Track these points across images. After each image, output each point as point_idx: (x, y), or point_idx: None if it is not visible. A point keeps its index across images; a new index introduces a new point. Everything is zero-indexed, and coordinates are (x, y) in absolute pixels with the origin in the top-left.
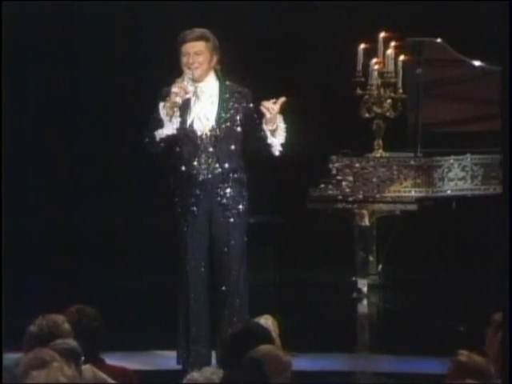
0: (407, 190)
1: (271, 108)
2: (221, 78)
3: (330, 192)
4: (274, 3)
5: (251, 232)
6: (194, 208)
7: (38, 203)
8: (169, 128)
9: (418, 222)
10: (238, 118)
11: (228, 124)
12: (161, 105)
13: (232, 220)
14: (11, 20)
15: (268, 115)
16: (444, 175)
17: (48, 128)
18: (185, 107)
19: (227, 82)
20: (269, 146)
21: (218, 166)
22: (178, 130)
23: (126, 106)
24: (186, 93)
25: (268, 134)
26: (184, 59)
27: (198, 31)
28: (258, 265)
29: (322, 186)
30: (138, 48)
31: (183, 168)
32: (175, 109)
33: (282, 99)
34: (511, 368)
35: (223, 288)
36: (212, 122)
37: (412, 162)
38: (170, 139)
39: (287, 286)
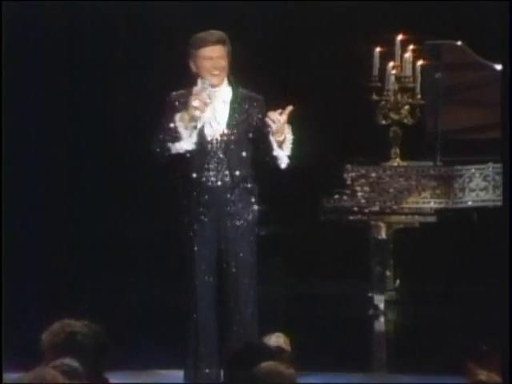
0: (426, 201)
1: (277, 119)
2: (233, 82)
3: (345, 203)
4: (281, 3)
5: (261, 244)
6: (202, 217)
7: (38, 206)
8: (188, 143)
9: (438, 235)
10: (251, 124)
11: (240, 129)
12: (177, 116)
13: (241, 231)
14: (11, 20)
15: (274, 126)
16: (465, 185)
17: (48, 128)
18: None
19: (240, 88)
20: (275, 159)
21: (228, 173)
22: (195, 143)
23: (128, 107)
24: (206, 105)
25: (274, 145)
26: (206, 64)
27: (217, 33)
28: (268, 278)
29: (336, 196)
30: (138, 48)
31: (194, 175)
32: (194, 123)
33: (289, 108)
34: (511, 368)
35: (232, 303)
36: (223, 127)
37: (431, 172)
38: (184, 151)
39: (299, 301)
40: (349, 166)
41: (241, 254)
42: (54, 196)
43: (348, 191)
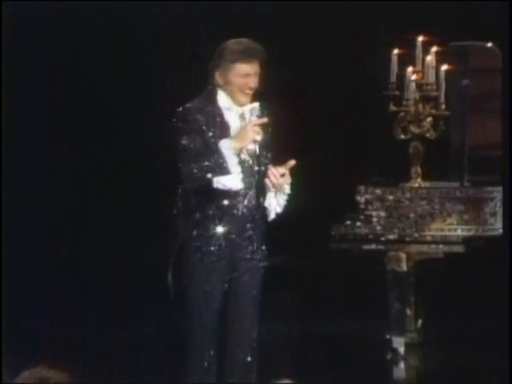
0: (452, 228)
1: (275, 179)
2: (258, 99)
3: (358, 230)
4: (286, 3)
5: (265, 277)
6: (216, 247)
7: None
8: (237, 180)
9: (466, 267)
10: (269, 143)
11: (263, 151)
12: (225, 143)
13: (255, 263)
14: (11, 20)
15: (272, 182)
16: (496, 209)
17: (48, 128)
18: (226, 129)
19: (264, 105)
20: (263, 209)
21: (253, 200)
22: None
23: (128, 107)
24: (258, 134)
25: (267, 195)
26: (240, 81)
27: (256, 48)
28: (273, 315)
29: (348, 222)
30: (138, 48)
31: (225, 202)
32: (248, 158)
33: (291, 163)
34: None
35: (236, 350)
36: (255, 147)
37: (458, 194)
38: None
39: (308, 342)
40: (362, 188)
41: (254, 291)
42: (54, 196)
43: (362, 216)
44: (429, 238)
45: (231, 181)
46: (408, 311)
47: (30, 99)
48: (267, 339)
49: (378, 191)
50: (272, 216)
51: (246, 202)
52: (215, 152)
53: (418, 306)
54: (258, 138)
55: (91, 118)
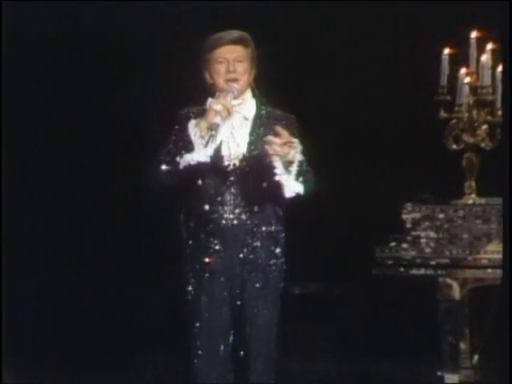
0: None
1: (282, 132)
2: (258, 97)
3: (404, 253)
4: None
5: (296, 307)
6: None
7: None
8: (201, 154)
9: None
10: None
11: (264, 154)
12: (191, 123)
13: (259, 286)
14: (11, 20)
15: (278, 141)
16: None
17: (48, 128)
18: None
19: (265, 104)
20: (278, 186)
21: (245, 209)
22: (211, 158)
23: (128, 107)
24: (230, 114)
25: (278, 168)
26: (220, 68)
27: (237, 32)
28: (308, 353)
29: (393, 244)
30: (139, 48)
31: (206, 207)
32: (213, 132)
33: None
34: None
35: None
36: (243, 150)
37: None
38: (196, 168)
39: (349, 383)
40: (409, 205)
41: (259, 320)
42: (54, 197)
43: (408, 237)
44: (485, 262)
45: (194, 154)
46: (462, 345)
47: (30, 99)
48: (301, 379)
49: (427, 209)
50: (288, 194)
51: (237, 212)
52: (186, 134)
53: (474, 340)
54: (217, 120)
55: (91, 117)
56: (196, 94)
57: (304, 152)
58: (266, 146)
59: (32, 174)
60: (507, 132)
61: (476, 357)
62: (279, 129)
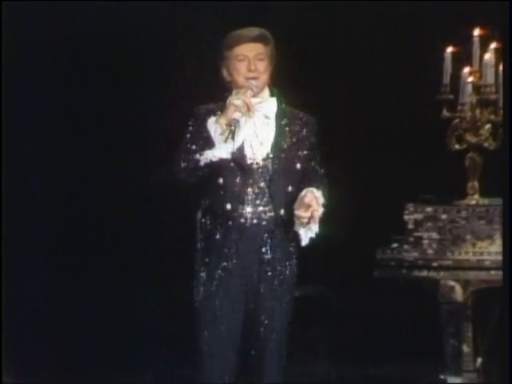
0: None
1: (305, 213)
2: (277, 95)
3: (406, 254)
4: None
5: (297, 309)
6: (229, 264)
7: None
8: (222, 150)
9: None
10: (301, 150)
11: (287, 155)
12: (211, 120)
13: (276, 287)
14: (11, 20)
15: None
16: None
17: (48, 128)
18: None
19: (286, 104)
20: (302, 190)
21: (268, 208)
22: (233, 156)
23: (129, 107)
24: (249, 110)
25: (297, 221)
26: (241, 65)
27: (257, 30)
28: (308, 355)
29: (395, 245)
30: (139, 48)
31: (228, 206)
32: (233, 127)
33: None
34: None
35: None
36: (267, 149)
37: None
38: (217, 165)
39: None
40: (411, 206)
41: (275, 322)
42: (54, 196)
43: (410, 239)
44: (488, 264)
45: (215, 151)
46: (465, 348)
47: (30, 99)
48: (302, 381)
49: (430, 210)
50: (304, 243)
51: (253, 209)
52: (206, 131)
53: (477, 343)
54: (237, 116)
55: (91, 117)
56: (201, 92)
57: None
58: (295, 220)
59: (32, 174)
60: (507, 132)
61: (479, 360)
62: (305, 199)
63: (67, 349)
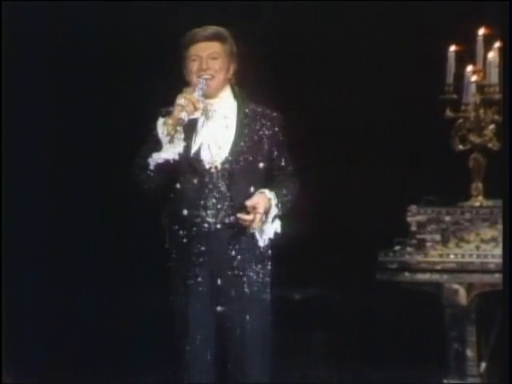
0: None
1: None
2: (238, 95)
3: (409, 257)
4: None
5: (296, 312)
6: (197, 271)
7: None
8: (168, 151)
9: None
10: (261, 149)
11: (247, 157)
12: (160, 121)
13: (247, 290)
14: (11, 20)
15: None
16: None
17: (48, 128)
18: (190, 129)
19: (247, 102)
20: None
21: (230, 212)
22: (180, 156)
23: (129, 107)
24: (196, 109)
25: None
26: (193, 65)
27: (212, 28)
28: (306, 360)
29: (397, 248)
30: (139, 48)
31: (185, 212)
32: (178, 127)
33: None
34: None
35: None
36: (225, 152)
37: None
38: (167, 168)
39: None
40: (414, 208)
41: (248, 324)
42: (54, 197)
43: (413, 241)
44: (492, 267)
45: (162, 153)
46: (469, 352)
47: (30, 99)
48: None
49: (433, 212)
50: (261, 243)
51: (220, 216)
52: (155, 133)
53: (481, 347)
54: (182, 115)
55: (91, 117)
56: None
57: (297, 158)
58: (240, 222)
59: (32, 174)
60: (507, 133)
61: (483, 364)
62: (247, 202)
63: (67, 349)
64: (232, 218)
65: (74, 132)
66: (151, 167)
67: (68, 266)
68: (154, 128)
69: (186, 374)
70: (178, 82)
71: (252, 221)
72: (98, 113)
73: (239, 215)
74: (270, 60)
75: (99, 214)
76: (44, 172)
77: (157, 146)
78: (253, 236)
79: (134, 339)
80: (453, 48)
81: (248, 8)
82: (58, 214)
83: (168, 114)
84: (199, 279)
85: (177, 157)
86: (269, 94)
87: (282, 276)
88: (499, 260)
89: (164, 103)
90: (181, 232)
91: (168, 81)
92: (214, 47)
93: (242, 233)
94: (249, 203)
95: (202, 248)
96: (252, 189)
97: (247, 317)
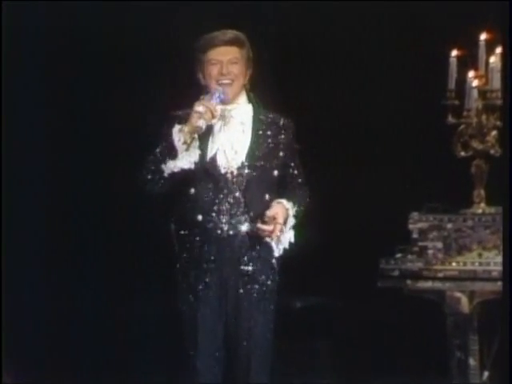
0: None
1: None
2: (254, 101)
3: (411, 264)
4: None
5: (298, 320)
6: (207, 277)
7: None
8: (184, 160)
9: None
10: (276, 157)
11: (263, 163)
12: (176, 128)
13: (256, 296)
14: (11, 20)
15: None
16: None
17: (48, 128)
18: (206, 135)
19: (262, 108)
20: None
21: (244, 219)
22: (196, 164)
23: (129, 107)
24: (214, 116)
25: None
26: (213, 69)
27: (231, 33)
28: (310, 367)
29: (399, 255)
30: (140, 48)
31: (199, 217)
32: (195, 135)
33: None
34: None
35: None
36: (241, 157)
37: None
38: (182, 176)
39: None
40: (416, 215)
41: (255, 330)
42: (54, 197)
43: (415, 248)
44: (495, 274)
45: (177, 161)
46: (471, 361)
47: (30, 99)
48: None
49: (435, 219)
50: (277, 253)
51: (234, 222)
52: (170, 140)
53: (484, 355)
54: (200, 123)
55: (91, 117)
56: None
57: (304, 162)
58: (259, 232)
59: (32, 174)
60: (507, 138)
61: (486, 373)
62: (267, 212)
63: (67, 349)
64: (246, 225)
65: (74, 132)
66: (165, 175)
67: (68, 266)
68: (168, 133)
69: (189, 378)
70: (180, 83)
71: (272, 231)
72: (98, 113)
73: (259, 225)
74: (273, 63)
75: (99, 214)
76: (44, 172)
77: (172, 152)
78: (266, 245)
79: (134, 340)
80: (454, 53)
81: (248, 9)
82: (58, 214)
83: (179, 118)
84: (209, 285)
85: (193, 166)
86: (275, 98)
87: (283, 284)
88: (502, 267)
89: (165, 104)
90: (191, 237)
91: (169, 81)
92: (234, 52)
93: (255, 241)
94: (269, 213)
95: (213, 254)
96: (267, 196)
97: (255, 324)
